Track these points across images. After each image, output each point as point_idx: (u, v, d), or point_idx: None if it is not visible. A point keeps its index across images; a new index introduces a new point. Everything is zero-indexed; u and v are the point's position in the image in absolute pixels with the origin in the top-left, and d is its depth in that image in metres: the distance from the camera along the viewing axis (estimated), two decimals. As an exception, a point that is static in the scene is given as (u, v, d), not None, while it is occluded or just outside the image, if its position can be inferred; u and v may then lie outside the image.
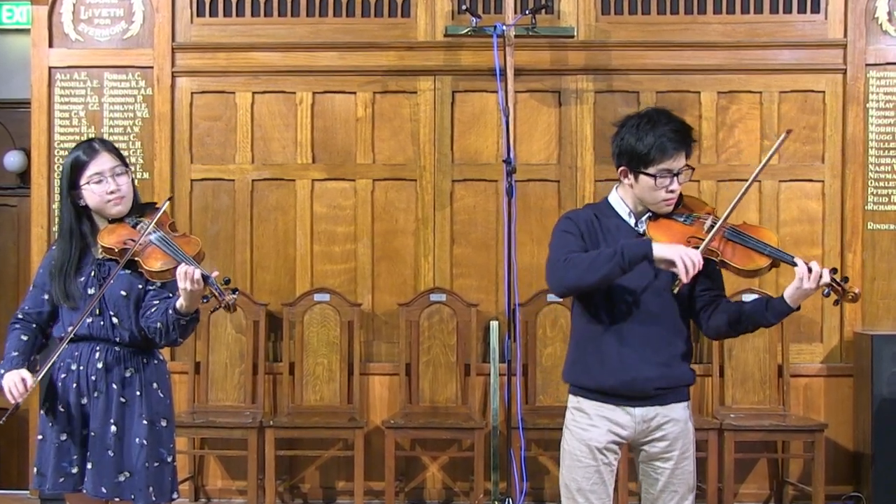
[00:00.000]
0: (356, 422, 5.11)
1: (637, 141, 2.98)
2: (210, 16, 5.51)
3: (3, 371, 3.13)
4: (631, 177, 3.04)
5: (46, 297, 3.23)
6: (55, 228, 5.37)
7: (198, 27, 5.51)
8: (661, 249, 2.86)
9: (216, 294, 2.91)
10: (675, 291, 2.92)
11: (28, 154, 5.71)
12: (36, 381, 3.09)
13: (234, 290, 2.94)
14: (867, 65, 5.36)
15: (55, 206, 5.43)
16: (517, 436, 4.73)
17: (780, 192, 5.41)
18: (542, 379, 5.30)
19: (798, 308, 2.95)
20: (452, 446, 5.32)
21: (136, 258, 3.06)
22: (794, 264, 2.88)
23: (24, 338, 3.22)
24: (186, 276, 2.91)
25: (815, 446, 4.95)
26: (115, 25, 5.50)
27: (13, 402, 3.06)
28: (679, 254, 2.82)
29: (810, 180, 5.42)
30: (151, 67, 5.48)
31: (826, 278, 2.85)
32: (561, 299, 4.98)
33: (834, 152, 5.40)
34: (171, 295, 3.11)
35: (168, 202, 3.37)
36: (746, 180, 5.17)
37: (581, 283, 2.96)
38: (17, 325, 3.24)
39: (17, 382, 3.05)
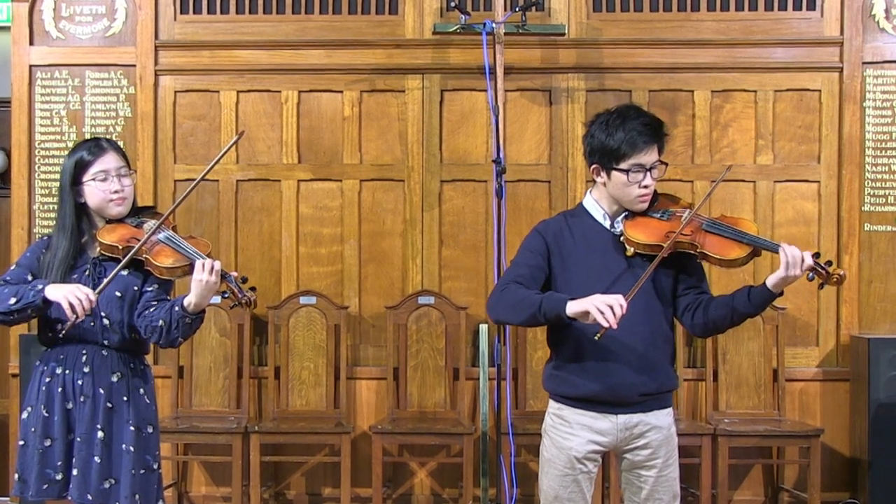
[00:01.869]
0: (343, 427, 5.02)
1: (607, 137, 2.96)
2: (194, 13, 5.44)
3: (41, 286, 3.01)
4: (604, 174, 3.01)
5: (30, 277, 3.16)
6: (36, 230, 5.35)
7: (181, 24, 5.42)
8: (574, 306, 2.77)
9: (234, 290, 2.93)
10: (598, 338, 2.79)
11: (8, 154, 5.61)
12: (97, 295, 2.98)
13: (253, 289, 2.95)
14: (864, 63, 5.29)
15: (36, 206, 5.40)
16: (507, 441, 4.68)
17: (776, 192, 5.33)
18: (532, 383, 5.21)
19: (781, 293, 2.90)
20: (441, 452, 5.25)
21: (141, 257, 3.03)
22: (777, 252, 2.85)
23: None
24: (205, 268, 2.91)
25: (811, 452, 4.90)
26: (97, 23, 5.42)
27: (72, 316, 2.94)
28: (593, 304, 2.73)
29: (806, 181, 5.35)
30: (134, 66, 5.39)
31: (809, 261, 2.82)
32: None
33: (830, 152, 5.32)
34: (168, 298, 3.13)
35: (240, 135, 3.35)
36: (742, 180, 5.27)
37: (506, 319, 3.03)
38: (7, 282, 3.13)
39: (83, 298, 2.92)
